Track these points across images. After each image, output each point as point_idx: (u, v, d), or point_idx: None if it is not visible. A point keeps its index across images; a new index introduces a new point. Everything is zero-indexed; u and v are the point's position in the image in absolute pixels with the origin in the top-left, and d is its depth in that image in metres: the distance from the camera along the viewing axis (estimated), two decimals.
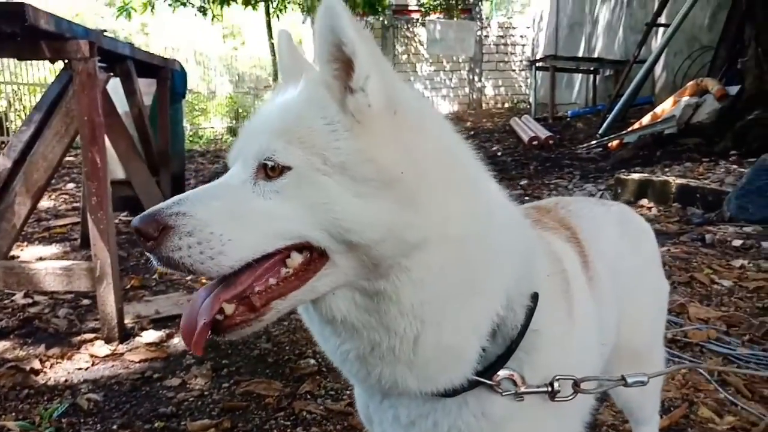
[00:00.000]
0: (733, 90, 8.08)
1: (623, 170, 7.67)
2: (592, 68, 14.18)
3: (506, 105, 20.02)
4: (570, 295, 1.21)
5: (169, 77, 5.56)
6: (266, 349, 3.09)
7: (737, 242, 4.97)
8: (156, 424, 2.41)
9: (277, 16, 17.00)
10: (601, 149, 9.72)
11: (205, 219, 0.93)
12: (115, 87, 4.89)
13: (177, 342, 3.20)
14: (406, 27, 19.73)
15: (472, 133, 14.50)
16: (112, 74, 4.10)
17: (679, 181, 6.46)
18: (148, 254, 0.95)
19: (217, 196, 0.97)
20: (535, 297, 1.10)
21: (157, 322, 3.46)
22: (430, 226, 0.96)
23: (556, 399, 1.10)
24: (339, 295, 1.00)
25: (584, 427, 1.31)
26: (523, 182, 8.41)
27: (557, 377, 1.10)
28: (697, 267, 4.32)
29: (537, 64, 15.21)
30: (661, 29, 11.37)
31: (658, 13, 11.13)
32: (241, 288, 0.96)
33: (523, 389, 1.07)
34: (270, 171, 0.95)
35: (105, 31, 3.44)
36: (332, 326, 1.04)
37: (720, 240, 5.06)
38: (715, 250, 4.84)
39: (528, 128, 12.10)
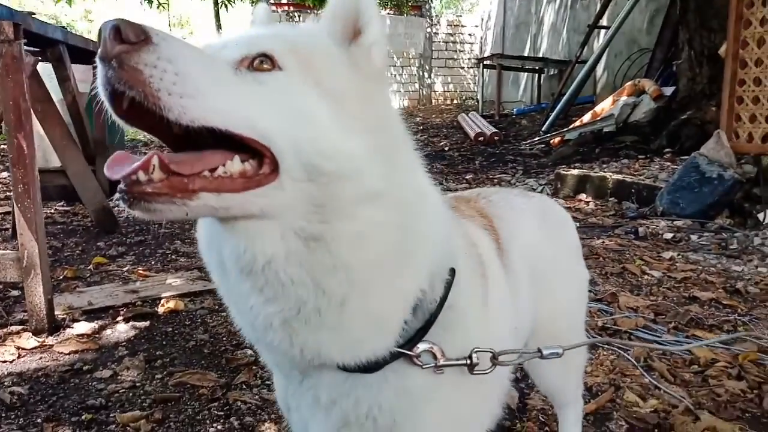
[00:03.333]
0: (668, 91, 8.41)
1: (564, 166, 7.89)
2: (537, 67, 14.49)
3: (455, 101, 20.25)
4: (485, 278, 1.24)
5: None
6: (202, 339, 3.04)
7: (668, 235, 5.19)
8: (83, 417, 2.34)
9: (226, 7, 16.69)
10: (543, 146, 9.96)
11: (189, 59, 0.85)
12: (51, 73, 4.71)
13: (109, 333, 3.11)
14: None
15: (422, 128, 14.62)
16: (40, 58, 3.94)
17: (616, 176, 6.69)
18: (103, 62, 0.82)
19: (201, 52, 0.91)
20: (452, 272, 1.11)
21: (90, 314, 3.35)
22: (389, 184, 0.96)
23: (475, 372, 1.11)
24: (270, 230, 0.92)
25: (501, 406, 1.35)
26: (469, 176, 8.54)
27: (476, 350, 1.11)
28: (629, 258, 4.48)
29: (484, 62, 15.46)
30: (602, 31, 11.73)
31: (600, 16, 11.47)
32: (188, 163, 0.86)
33: (442, 361, 1.08)
34: (257, 64, 0.92)
35: (33, 13, 3.28)
36: (253, 279, 0.96)
37: (652, 233, 5.28)
38: (648, 242, 5.04)
39: (474, 124, 12.28)
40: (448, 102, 20.31)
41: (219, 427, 2.31)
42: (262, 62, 0.92)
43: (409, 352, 1.05)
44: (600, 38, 11.78)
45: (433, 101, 20.42)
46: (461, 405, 1.17)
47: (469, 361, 1.10)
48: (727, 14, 6.23)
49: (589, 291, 3.79)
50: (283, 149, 0.89)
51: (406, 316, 1.05)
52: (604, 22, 11.64)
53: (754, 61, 5.88)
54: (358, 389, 1.08)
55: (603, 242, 4.99)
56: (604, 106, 9.26)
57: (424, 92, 20.45)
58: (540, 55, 15.02)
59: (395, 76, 20.17)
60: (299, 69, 0.94)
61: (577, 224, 5.61)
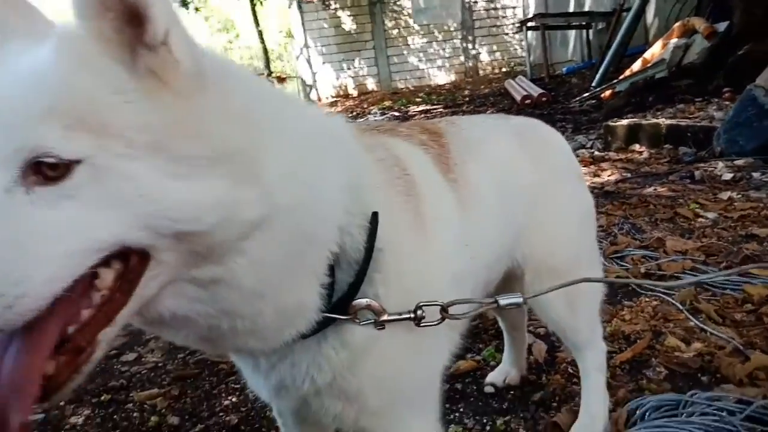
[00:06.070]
0: (722, 27, 7.81)
1: (615, 118, 7.48)
2: (583, 23, 13.82)
3: (503, 70, 19.65)
4: (417, 198, 1.13)
5: None
6: None
7: (727, 176, 4.81)
8: (102, 397, 2.35)
9: (261, 2, 16.82)
10: (594, 101, 9.50)
11: None
12: None
13: None
14: (393, 1, 19.41)
15: (467, 99, 14.29)
16: None
17: (669, 122, 6.28)
18: None
19: None
20: (375, 216, 1.02)
21: None
22: (268, 195, 0.83)
23: (422, 325, 1.03)
24: (166, 292, 0.83)
25: (452, 350, 1.26)
26: None
27: (421, 304, 1.03)
28: (682, 203, 4.17)
29: (528, 25, 14.88)
30: None
31: None
32: (54, 337, 0.75)
33: (385, 317, 1.01)
34: (49, 170, 0.71)
35: None
36: (160, 323, 0.89)
37: (709, 176, 4.90)
38: (704, 185, 4.68)
39: (521, 88, 11.87)
40: (497, 71, 19.73)
41: (234, 399, 2.27)
42: (53, 167, 0.71)
43: (340, 317, 0.99)
44: None
45: (481, 72, 19.90)
46: (404, 354, 1.09)
47: (413, 316, 1.02)
48: None
49: (635, 239, 3.56)
50: (140, 238, 0.75)
51: (323, 281, 0.97)
52: None
53: None
54: (296, 352, 1.03)
55: (655, 189, 4.68)
56: (654, 52, 8.72)
57: (471, 64, 19.95)
58: (585, 10, 14.33)
59: (438, 51, 19.79)
60: (98, 144, 0.72)
61: (629, 175, 5.36)
